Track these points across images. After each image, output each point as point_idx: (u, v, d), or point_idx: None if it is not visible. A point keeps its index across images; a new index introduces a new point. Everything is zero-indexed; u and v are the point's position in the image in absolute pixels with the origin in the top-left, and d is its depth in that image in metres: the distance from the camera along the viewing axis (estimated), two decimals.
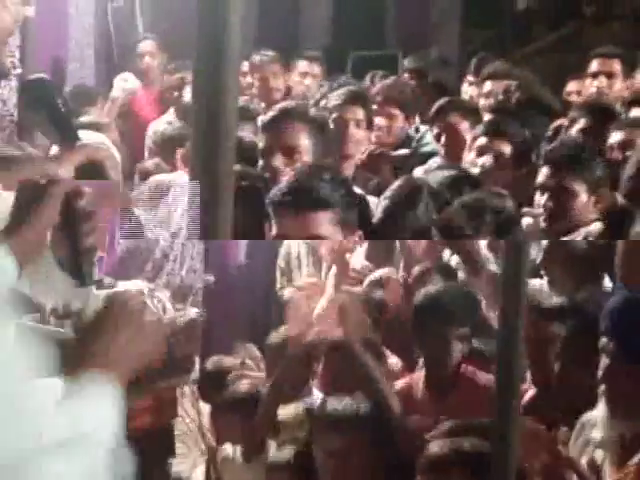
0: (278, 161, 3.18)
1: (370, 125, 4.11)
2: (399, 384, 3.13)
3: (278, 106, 3.43)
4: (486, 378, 2.87)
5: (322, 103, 4.30)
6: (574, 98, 5.30)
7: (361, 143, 4.07)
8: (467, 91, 5.66)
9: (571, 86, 5.44)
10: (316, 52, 6.55)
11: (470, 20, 8.35)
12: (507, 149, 3.78)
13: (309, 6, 7.99)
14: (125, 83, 5.86)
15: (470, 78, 5.72)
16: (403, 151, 4.61)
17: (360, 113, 4.06)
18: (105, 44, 6.94)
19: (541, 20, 8.77)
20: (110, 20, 6.94)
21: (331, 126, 3.72)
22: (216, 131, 1.01)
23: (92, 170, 1.45)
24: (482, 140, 3.81)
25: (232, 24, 1.01)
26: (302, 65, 6.26)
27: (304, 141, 3.28)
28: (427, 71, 5.89)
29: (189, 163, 1.04)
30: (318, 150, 3.29)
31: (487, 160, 3.72)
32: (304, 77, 6.17)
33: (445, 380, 3.03)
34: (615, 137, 3.85)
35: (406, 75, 5.92)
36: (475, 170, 3.65)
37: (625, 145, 3.72)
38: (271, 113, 3.38)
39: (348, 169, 3.82)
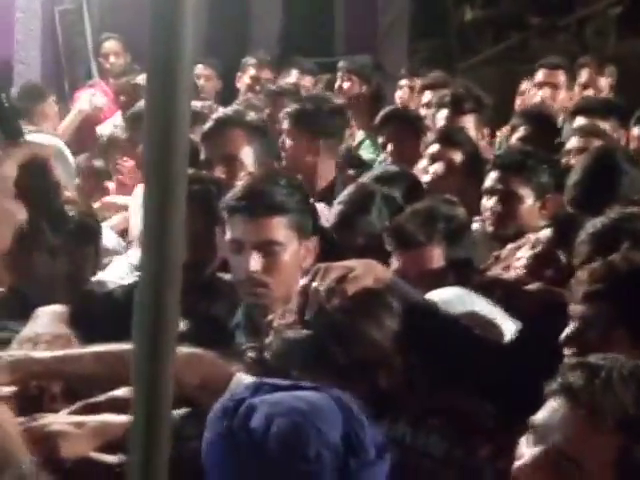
0: (219, 171, 3.16)
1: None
2: None
3: (214, 116, 3.40)
4: None
5: None
6: (525, 96, 5.40)
7: None
8: (398, 94, 5.74)
9: (524, 86, 5.54)
10: (309, 62, 6.56)
11: (417, 30, 8.42)
12: (458, 157, 3.83)
13: (259, 14, 8.00)
14: (94, 98, 5.91)
15: (402, 82, 5.79)
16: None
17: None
18: (52, 46, 6.91)
19: (487, 31, 8.88)
20: (57, 23, 6.91)
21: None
22: (169, 134, 1.01)
23: (35, 168, 1.39)
24: (434, 147, 3.86)
25: (185, 26, 1.01)
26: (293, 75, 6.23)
27: (244, 148, 3.26)
28: (365, 74, 5.92)
29: (142, 167, 1.04)
30: (260, 155, 3.27)
31: (439, 167, 3.77)
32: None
33: None
34: (572, 143, 3.93)
35: (339, 74, 5.96)
36: (426, 177, 3.70)
37: (580, 152, 3.80)
38: (208, 124, 3.35)
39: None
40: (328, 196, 3.34)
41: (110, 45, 6.69)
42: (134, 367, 1.02)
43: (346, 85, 5.93)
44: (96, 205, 4.45)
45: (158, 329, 1.02)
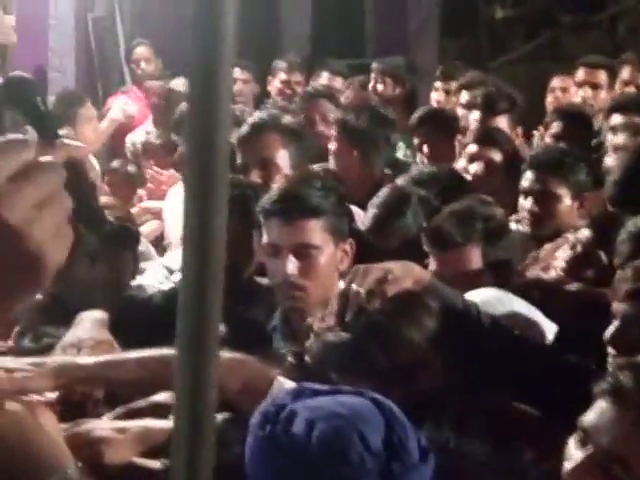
0: (255, 175, 3.16)
1: None
2: None
3: (249, 120, 3.40)
4: None
5: None
6: (558, 94, 5.34)
7: None
8: (434, 97, 5.69)
9: (555, 82, 5.48)
10: (340, 64, 6.48)
11: (448, 29, 8.40)
12: (497, 157, 3.81)
13: (288, 16, 8.02)
14: (126, 107, 5.96)
15: (437, 84, 5.75)
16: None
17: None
18: (85, 53, 6.97)
19: (518, 29, 8.84)
20: (90, 30, 6.96)
21: None
22: (211, 137, 1.01)
23: (71, 169, 1.41)
24: (472, 147, 3.84)
25: (226, 31, 1.01)
26: (324, 77, 6.19)
27: (280, 152, 3.26)
28: (399, 75, 5.89)
29: (183, 172, 1.04)
30: (296, 158, 3.27)
31: (478, 167, 3.75)
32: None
33: None
34: (609, 140, 3.90)
35: (372, 76, 5.93)
36: (467, 177, 3.68)
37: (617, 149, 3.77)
38: (243, 128, 3.34)
39: None
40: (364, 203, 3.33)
41: (141, 51, 6.74)
42: (176, 370, 1.02)
43: (380, 87, 5.90)
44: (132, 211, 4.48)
45: (201, 331, 1.02)
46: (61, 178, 0.87)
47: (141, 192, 4.88)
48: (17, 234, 0.82)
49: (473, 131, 4.07)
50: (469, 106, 4.43)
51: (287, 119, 3.43)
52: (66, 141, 1.10)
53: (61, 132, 1.04)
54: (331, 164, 3.85)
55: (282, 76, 6.31)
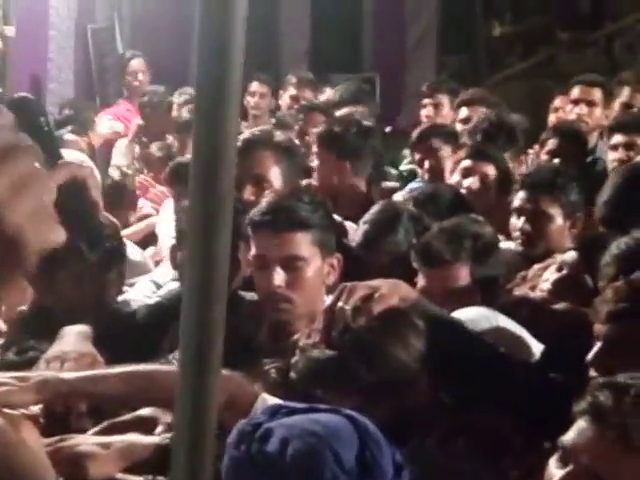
0: (248, 192, 3.18)
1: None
2: None
3: (242, 137, 3.41)
4: None
5: None
6: (561, 114, 5.36)
7: None
8: (424, 113, 5.71)
9: (558, 102, 5.49)
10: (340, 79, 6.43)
11: (446, 45, 8.42)
12: (492, 172, 3.82)
13: (287, 30, 8.04)
14: (114, 124, 6.01)
15: (425, 101, 5.76)
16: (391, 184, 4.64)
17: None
18: (84, 64, 6.99)
19: (516, 46, 8.87)
20: (90, 41, 6.98)
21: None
22: (217, 151, 1.02)
23: (75, 189, 1.43)
24: (467, 162, 3.86)
25: (235, 44, 1.02)
26: (328, 92, 6.18)
27: (272, 169, 3.27)
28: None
29: (189, 185, 1.04)
30: (288, 176, 3.28)
31: (473, 182, 3.76)
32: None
33: None
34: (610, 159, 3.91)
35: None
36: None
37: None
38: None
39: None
40: (354, 216, 3.34)
41: (137, 63, 6.78)
42: (180, 380, 1.03)
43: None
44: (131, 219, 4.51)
45: (205, 344, 1.03)
46: (38, 160, 0.87)
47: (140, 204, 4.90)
48: None
49: (467, 146, 4.07)
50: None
51: (279, 136, 3.45)
52: (69, 160, 1.11)
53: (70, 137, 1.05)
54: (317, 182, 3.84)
55: (292, 91, 6.33)
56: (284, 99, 6.34)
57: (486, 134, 4.27)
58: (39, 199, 0.85)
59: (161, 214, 4.36)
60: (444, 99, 5.61)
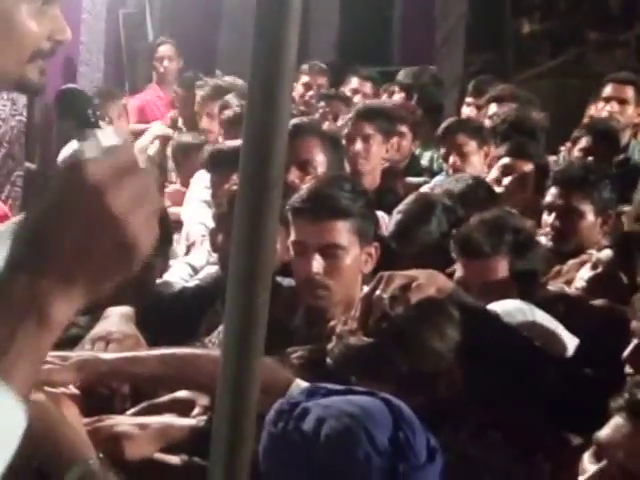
0: (293, 175, 3.21)
1: (385, 139, 4.12)
2: None
3: (291, 122, 3.45)
4: None
5: None
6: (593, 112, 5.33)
7: (370, 159, 4.08)
8: (466, 112, 5.67)
9: (594, 110, 5.46)
10: (371, 70, 6.44)
11: (474, 41, 8.39)
12: (530, 170, 3.82)
13: (316, 22, 8.03)
14: (166, 130, 5.89)
15: (469, 99, 5.73)
16: (420, 179, 4.64)
17: (368, 129, 4.08)
18: (115, 48, 7.01)
19: (544, 44, 8.83)
20: (121, 25, 7.01)
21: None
22: (268, 138, 1.02)
23: None
24: (506, 160, 3.85)
25: (289, 33, 1.02)
26: (354, 82, 6.19)
27: (318, 156, 3.33)
28: (416, 89, 5.83)
29: (239, 172, 1.05)
30: (332, 165, 3.33)
31: (511, 180, 3.77)
32: (354, 94, 6.02)
33: None
34: None
35: (396, 88, 5.91)
36: (498, 189, 3.69)
37: None
38: None
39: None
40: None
41: (164, 49, 6.76)
42: (223, 363, 1.03)
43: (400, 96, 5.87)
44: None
45: (248, 329, 1.03)
46: (154, 177, 0.96)
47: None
48: (117, 222, 0.90)
49: (507, 143, 4.05)
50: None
51: (327, 125, 3.52)
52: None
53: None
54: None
55: (304, 78, 6.33)
56: (297, 88, 6.33)
57: (505, 135, 4.26)
58: (151, 212, 0.94)
59: (185, 202, 4.37)
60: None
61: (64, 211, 0.90)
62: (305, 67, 6.33)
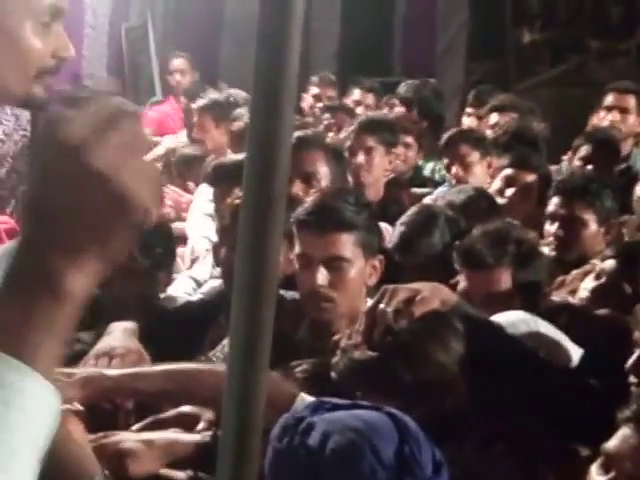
0: (297, 188, 3.22)
1: (388, 151, 4.13)
2: None
3: (295, 135, 3.46)
4: None
5: None
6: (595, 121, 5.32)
7: (373, 171, 4.09)
8: (466, 122, 5.67)
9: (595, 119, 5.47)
10: (373, 81, 6.46)
11: (475, 51, 8.40)
12: (533, 181, 3.82)
13: (318, 33, 8.05)
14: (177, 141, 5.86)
15: (469, 110, 5.73)
16: (424, 190, 4.65)
17: (370, 141, 4.09)
18: (117, 63, 7.04)
19: (545, 53, 8.83)
20: (123, 39, 7.03)
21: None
22: (272, 151, 1.02)
23: None
24: (509, 171, 3.86)
25: (292, 45, 1.02)
26: (356, 93, 6.21)
27: (322, 168, 3.35)
28: (416, 103, 5.83)
29: (243, 185, 1.05)
30: (336, 177, 3.35)
31: (514, 191, 3.77)
32: (357, 106, 6.04)
33: None
34: None
35: (395, 101, 5.92)
36: (501, 200, 3.69)
37: None
38: None
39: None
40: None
41: (178, 63, 6.78)
42: (228, 377, 1.03)
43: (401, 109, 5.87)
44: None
45: (254, 343, 1.03)
46: (141, 124, 0.92)
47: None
48: (102, 178, 0.86)
49: (510, 154, 4.06)
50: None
51: (331, 138, 3.53)
52: None
53: None
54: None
55: (314, 90, 6.34)
56: (307, 100, 6.34)
57: (507, 146, 4.27)
58: (144, 160, 0.90)
59: (189, 215, 4.37)
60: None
61: (48, 178, 0.87)
62: (315, 79, 6.36)
